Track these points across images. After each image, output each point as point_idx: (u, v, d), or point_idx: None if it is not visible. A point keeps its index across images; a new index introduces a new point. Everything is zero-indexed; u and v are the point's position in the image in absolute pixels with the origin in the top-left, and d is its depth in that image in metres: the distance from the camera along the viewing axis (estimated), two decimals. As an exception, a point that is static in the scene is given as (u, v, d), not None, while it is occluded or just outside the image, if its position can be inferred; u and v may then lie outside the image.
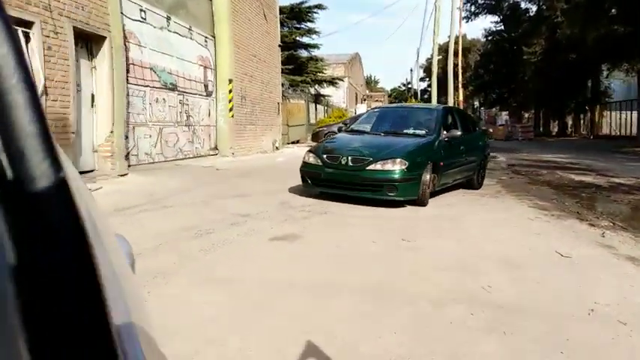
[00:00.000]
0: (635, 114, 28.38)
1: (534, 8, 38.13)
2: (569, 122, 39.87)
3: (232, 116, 13.05)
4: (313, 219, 5.22)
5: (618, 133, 32.74)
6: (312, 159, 6.49)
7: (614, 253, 4.09)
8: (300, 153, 15.90)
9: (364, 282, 3.27)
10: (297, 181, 8.22)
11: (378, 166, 5.92)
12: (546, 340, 2.43)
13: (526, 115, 45.93)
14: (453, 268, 3.58)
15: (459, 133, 7.20)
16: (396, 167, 5.88)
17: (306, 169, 6.56)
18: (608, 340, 2.45)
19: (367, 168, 5.94)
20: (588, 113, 36.00)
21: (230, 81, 12.90)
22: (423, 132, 7.03)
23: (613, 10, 23.86)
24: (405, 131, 7.16)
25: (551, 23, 34.24)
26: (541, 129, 39.65)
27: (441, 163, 6.56)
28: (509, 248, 4.18)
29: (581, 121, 38.07)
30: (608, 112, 34.74)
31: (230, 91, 12.91)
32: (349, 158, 6.11)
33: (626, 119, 31.62)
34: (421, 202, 6.12)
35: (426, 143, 6.64)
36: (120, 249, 0.79)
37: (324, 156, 6.35)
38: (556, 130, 40.00)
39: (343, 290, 3.09)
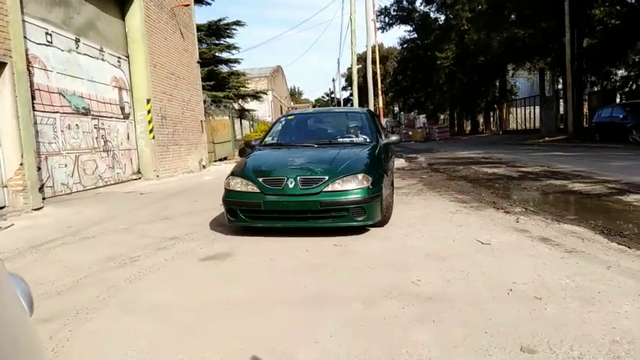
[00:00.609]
0: (537, 109, 30.71)
1: (443, 17, 40.35)
2: (481, 120, 42.46)
3: (153, 137, 12.63)
4: (245, 235, 5.15)
5: (524, 127, 35.32)
6: (240, 185, 4.89)
7: (528, 236, 4.39)
8: (228, 170, 15.72)
9: (300, 291, 3.27)
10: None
11: (337, 186, 4.64)
12: (472, 322, 2.55)
13: (442, 117, 48.38)
14: (383, 266, 3.67)
15: (395, 137, 6.65)
16: (362, 185, 4.66)
17: (233, 198, 4.88)
18: (526, 315, 2.62)
19: (325, 189, 4.63)
20: (497, 111, 38.52)
21: (148, 101, 12.50)
22: (361, 139, 5.99)
23: (512, 16, 25.80)
24: (340, 140, 6.04)
25: (459, 30, 36.45)
26: (456, 128, 41.89)
27: (387, 174, 5.47)
28: (435, 241, 4.36)
29: (491, 119, 40.68)
30: (515, 109, 37.43)
31: (149, 112, 12.51)
32: (297, 179, 4.69)
33: (530, 114, 34.20)
34: (382, 222, 5.04)
35: (372, 152, 5.50)
36: (12, 291, 0.73)
37: (260, 180, 4.81)
38: (469, 128, 42.43)
39: (279, 303, 3.07)
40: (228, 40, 25.67)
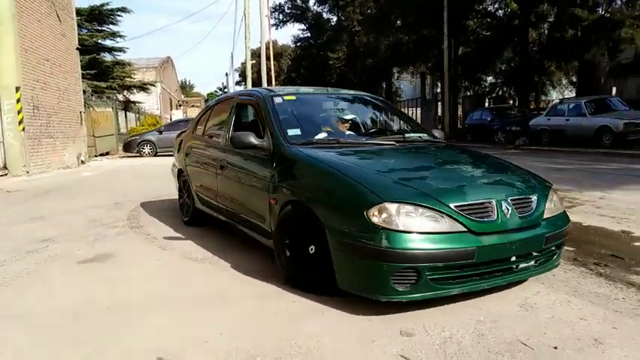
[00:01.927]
0: (419, 110, 32.92)
1: (335, 18, 41.45)
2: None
3: (23, 129, 11.39)
4: (129, 234, 4.88)
5: (409, 127, 37.63)
6: (422, 219, 2.52)
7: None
8: (110, 166, 14.74)
9: (189, 290, 3.18)
10: (106, 195, 7.62)
11: (549, 210, 2.92)
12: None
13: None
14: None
15: (438, 133, 4.42)
16: (558, 207, 3.06)
17: (415, 249, 2.46)
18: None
19: (545, 217, 2.87)
20: (385, 112, 40.52)
21: (17, 89, 11.24)
22: (425, 135, 4.12)
23: (399, 22, 27.31)
24: (408, 136, 4.03)
25: (350, 32, 37.76)
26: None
27: None
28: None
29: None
30: (400, 110, 39.72)
31: (18, 101, 11.24)
32: (509, 202, 2.72)
33: (412, 115, 36.59)
34: None
35: (482, 154, 3.79)
36: None
37: (456, 207, 2.57)
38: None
39: (167, 303, 2.96)
40: (112, 27, 23.98)
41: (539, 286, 3.02)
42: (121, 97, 24.96)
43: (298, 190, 3.09)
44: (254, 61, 29.37)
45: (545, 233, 2.78)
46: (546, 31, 21.50)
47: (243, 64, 42.58)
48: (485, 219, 2.59)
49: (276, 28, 45.31)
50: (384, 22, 26.93)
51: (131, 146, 18.47)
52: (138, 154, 18.04)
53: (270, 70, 24.68)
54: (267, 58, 23.85)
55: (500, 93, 26.63)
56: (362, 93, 4.89)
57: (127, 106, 25.68)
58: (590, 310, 2.62)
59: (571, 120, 14.76)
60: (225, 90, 62.09)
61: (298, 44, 46.81)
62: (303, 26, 44.22)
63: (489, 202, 2.65)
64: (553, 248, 2.90)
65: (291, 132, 3.54)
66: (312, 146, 3.38)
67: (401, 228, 2.46)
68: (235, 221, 4.08)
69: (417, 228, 2.48)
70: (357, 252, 2.56)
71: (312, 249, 2.96)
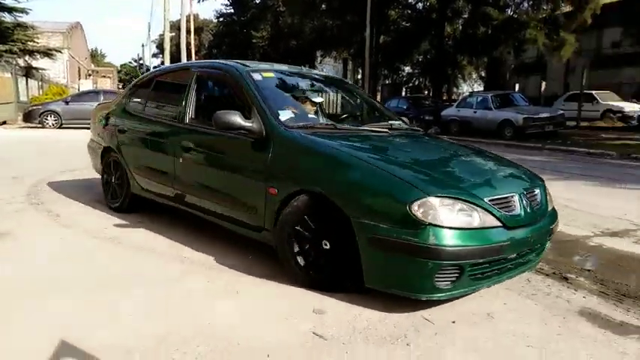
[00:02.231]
0: (342, 95, 33.43)
1: (259, -5, 40.56)
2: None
3: None
4: (27, 212, 4.54)
5: (328, 112, 38.20)
6: (459, 215, 2.43)
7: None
8: (7, 136, 13.45)
9: (92, 272, 3.05)
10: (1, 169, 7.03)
11: (549, 203, 3.08)
12: (273, 293, 2.73)
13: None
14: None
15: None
16: (549, 199, 3.11)
17: (461, 245, 2.38)
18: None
19: (545, 208, 2.95)
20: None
21: None
22: (404, 124, 4.08)
23: (324, 6, 27.34)
24: (394, 124, 3.87)
25: (275, 12, 37.22)
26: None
27: None
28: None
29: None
30: (323, 94, 40.11)
31: None
32: (526, 195, 2.78)
33: (336, 100, 37.11)
34: None
35: (461, 147, 3.68)
36: None
37: (489, 202, 2.54)
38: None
39: (70, 286, 2.82)
40: (11, -17, 21.65)
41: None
42: (22, 63, 22.76)
43: (311, 180, 2.80)
44: (173, 34, 28.00)
45: (550, 225, 2.87)
46: (460, 27, 22.65)
47: (161, 36, 40.52)
48: (512, 212, 2.59)
49: (199, 1, 43.53)
50: (309, 4, 26.83)
51: (32, 116, 16.98)
52: (40, 125, 16.65)
53: (190, 45, 23.76)
54: (188, 32, 22.90)
55: (416, 83, 27.79)
56: (332, 75, 5.08)
57: (29, 72, 23.48)
58: (484, 289, 2.86)
59: (478, 112, 15.75)
60: (141, 62, 58.74)
61: (221, 19, 45.40)
62: (226, 1, 42.88)
63: (512, 196, 2.65)
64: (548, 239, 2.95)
65: (284, 114, 3.22)
66: (311, 131, 3.13)
67: (445, 224, 2.36)
68: (204, 212, 3.57)
69: (459, 223, 2.39)
70: (397, 249, 2.39)
71: (326, 244, 2.70)
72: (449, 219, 2.38)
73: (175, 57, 27.83)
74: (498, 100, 15.59)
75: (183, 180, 3.72)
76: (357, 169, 2.64)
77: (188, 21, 23.60)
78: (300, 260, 2.81)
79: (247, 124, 3.09)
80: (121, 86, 45.34)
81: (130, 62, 74.83)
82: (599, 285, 2.97)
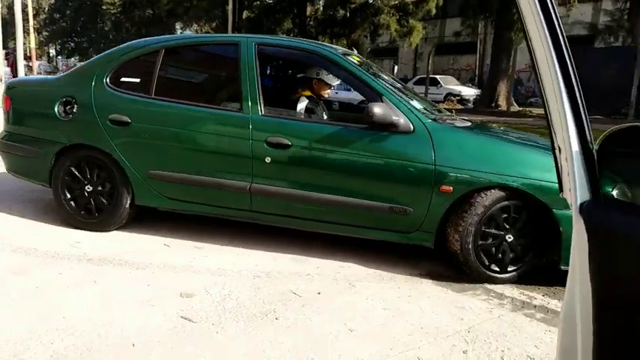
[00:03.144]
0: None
1: (108, -45, 36.92)
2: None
3: None
4: None
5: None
6: None
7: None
8: None
9: None
10: None
11: None
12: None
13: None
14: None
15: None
16: None
17: None
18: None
19: None
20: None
21: None
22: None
23: (181, -26, 25.86)
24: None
25: (127, -24, 34.23)
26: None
27: None
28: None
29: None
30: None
31: None
32: None
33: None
34: None
35: None
36: None
37: None
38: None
39: None
40: None
41: (306, 241, 3.37)
42: None
43: (503, 175, 2.68)
44: (3, -7, 24.26)
45: None
46: (321, 8, 23.22)
47: (-13, -6, 34.81)
48: None
49: (33, -43, 38.13)
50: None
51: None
52: None
53: (27, 7, 20.83)
54: (22, -8, 20.00)
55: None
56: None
57: None
58: (347, 259, 3.06)
59: (340, 93, 16.46)
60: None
61: (63, -20, 40.50)
62: (68, -41, 38.31)
63: None
64: None
65: (415, 104, 3.01)
66: (449, 123, 3.05)
67: None
68: (307, 219, 3.05)
69: None
70: None
71: (509, 237, 2.76)
72: None
73: (8, 20, 24.18)
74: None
75: (273, 184, 3.01)
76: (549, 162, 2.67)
77: (22, -21, 20.59)
78: (486, 260, 2.80)
79: (396, 118, 2.79)
80: None
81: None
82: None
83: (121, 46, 3.62)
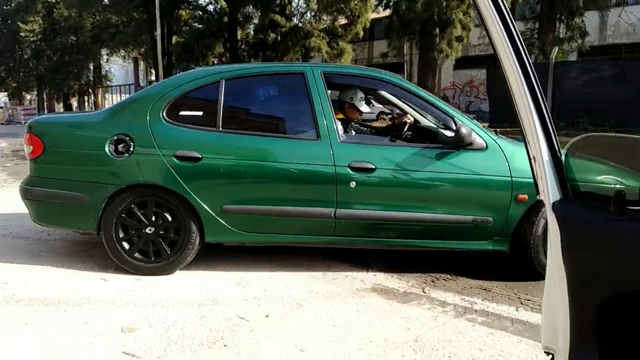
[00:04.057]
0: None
1: (24, -18, 35.31)
2: (75, 104, 40.08)
3: None
4: None
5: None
6: None
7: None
8: None
9: None
10: None
11: None
12: (71, 318, 2.46)
13: (28, 97, 42.91)
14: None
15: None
16: None
17: None
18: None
19: None
20: (92, 95, 37.23)
21: None
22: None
23: (106, 0, 25.21)
24: None
25: (48, 3, 32.90)
26: (46, 111, 38.02)
27: None
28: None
29: (86, 103, 38.97)
30: (110, 95, 37.12)
31: None
32: None
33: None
34: None
35: None
36: None
37: None
38: (62, 111, 39.31)
39: None
40: None
41: (250, 264, 3.34)
42: None
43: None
44: None
45: None
46: (252, 32, 23.37)
47: None
48: None
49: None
50: (86, -2, 24.45)
51: None
52: None
53: None
54: None
55: (213, 86, 27.64)
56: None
57: None
58: (293, 280, 3.06)
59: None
60: None
61: (-25, 7, 38.12)
62: (-21, -15, 36.20)
63: None
64: None
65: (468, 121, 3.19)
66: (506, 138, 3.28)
67: None
68: (392, 238, 3.16)
69: None
70: None
71: None
72: None
73: None
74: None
75: (359, 208, 3.07)
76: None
77: None
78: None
79: (474, 137, 3.02)
80: None
81: None
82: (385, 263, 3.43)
83: (171, 78, 3.57)
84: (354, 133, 3.67)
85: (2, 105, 33.76)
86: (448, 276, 3.18)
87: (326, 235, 3.12)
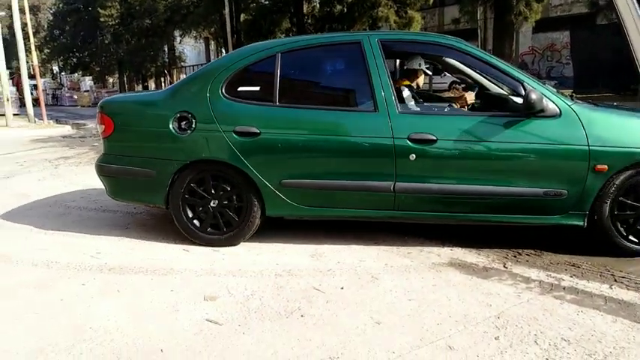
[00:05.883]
0: (206, 76, 32.38)
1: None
2: (153, 85, 42.01)
3: None
4: None
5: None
6: None
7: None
8: None
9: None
10: None
11: None
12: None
13: (111, 80, 45.52)
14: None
15: None
16: None
17: None
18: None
19: None
20: (168, 76, 38.82)
21: None
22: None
23: (176, -19, 25.94)
24: None
25: (123, -14, 34.42)
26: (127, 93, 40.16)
27: None
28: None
29: (163, 84, 40.74)
30: (185, 75, 38.51)
31: None
32: None
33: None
34: None
35: None
36: None
37: None
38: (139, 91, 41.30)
39: None
40: None
41: (323, 237, 3.35)
42: None
43: None
44: (3, 14, 24.47)
45: None
46: (318, 5, 23.15)
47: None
48: None
49: (30, -25, 38.41)
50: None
51: None
52: None
53: (27, 26, 20.99)
54: (22, 11, 20.12)
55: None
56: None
57: None
58: (366, 253, 3.04)
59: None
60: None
61: (60, -4, 40.73)
62: (64, -25, 38.54)
63: None
64: None
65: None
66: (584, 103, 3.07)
67: None
68: (455, 212, 3.03)
69: None
70: None
71: None
72: None
73: (10, 41, 24.41)
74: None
75: (419, 181, 2.95)
76: None
77: (20, -2, 20.73)
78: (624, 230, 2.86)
79: (545, 103, 2.78)
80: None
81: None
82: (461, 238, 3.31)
83: (229, 54, 3.60)
84: (418, 102, 3.48)
85: (88, 88, 36.13)
86: (532, 251, 3.01)
87: (386, 210, 3.04)
